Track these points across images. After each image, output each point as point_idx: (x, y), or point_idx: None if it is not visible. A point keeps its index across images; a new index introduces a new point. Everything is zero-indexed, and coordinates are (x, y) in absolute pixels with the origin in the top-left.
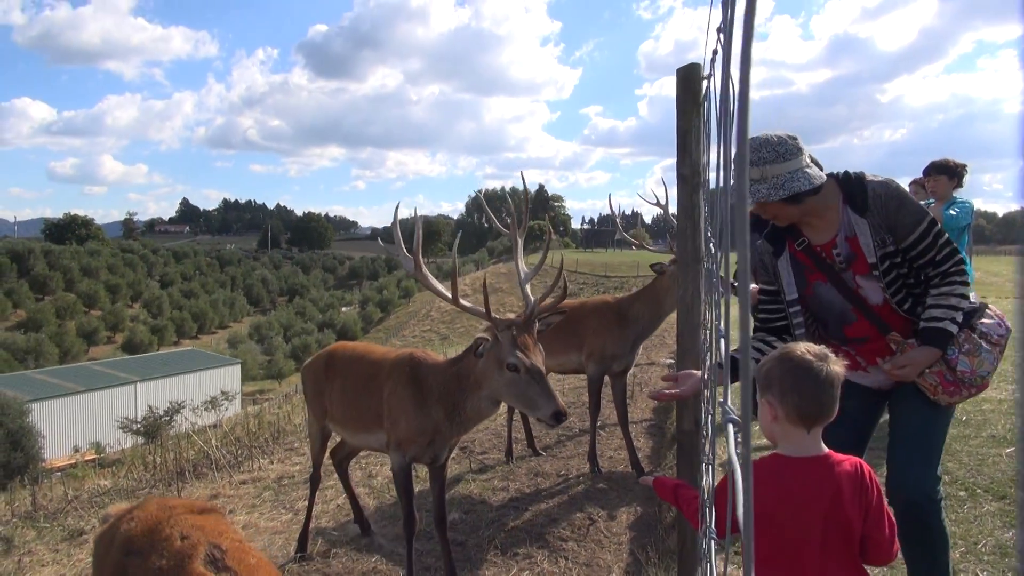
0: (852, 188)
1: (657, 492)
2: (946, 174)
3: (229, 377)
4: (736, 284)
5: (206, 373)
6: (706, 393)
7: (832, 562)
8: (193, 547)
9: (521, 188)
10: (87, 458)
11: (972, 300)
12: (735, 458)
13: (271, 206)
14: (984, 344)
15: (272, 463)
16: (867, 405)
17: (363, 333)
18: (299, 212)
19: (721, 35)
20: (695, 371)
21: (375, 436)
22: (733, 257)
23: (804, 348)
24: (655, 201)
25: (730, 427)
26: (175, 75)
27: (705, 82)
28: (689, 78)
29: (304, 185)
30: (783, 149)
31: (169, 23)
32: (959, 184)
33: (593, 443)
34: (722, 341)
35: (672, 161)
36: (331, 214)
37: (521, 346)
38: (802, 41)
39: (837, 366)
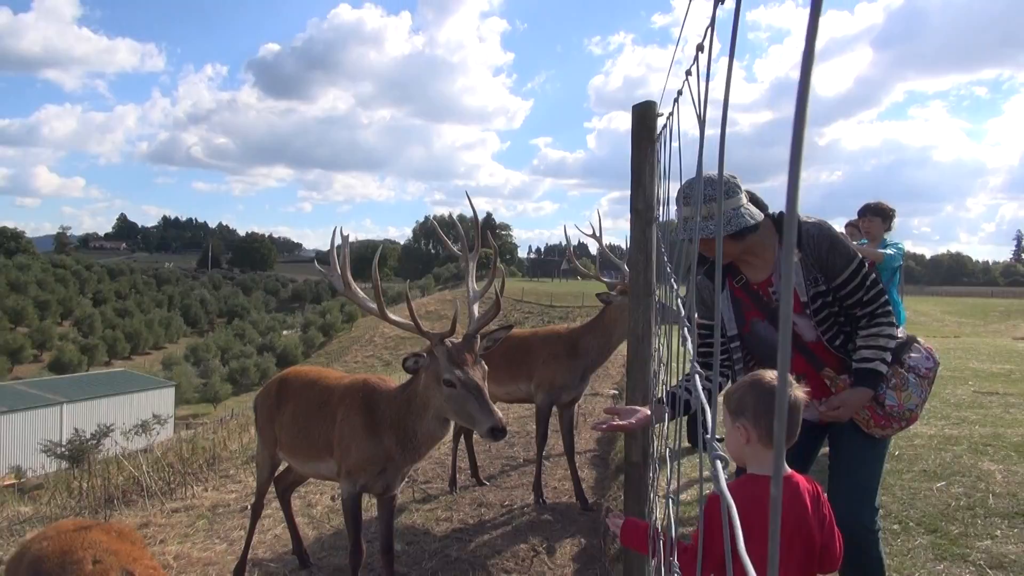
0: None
1: (624, 540)
2: (880, 216)
3: (162, 400)
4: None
5: (138, 395)
6: (656, 426)
7: (796, 574)
8: (105, 572)
9: (470, 215)
10: (6, 483)
11: (900, 335)
12: (726, 492)
13: (213, 225)
14: (911, 377)
15: (206, 491)
16: (808, 438)
17: (304, 358)
18: (242, 232)
19: (690, 77)
20: (640, 407)
21: (325, 464)
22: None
23: (772, 375)
24: (590, 232)
25: (718, 464)
26: (119, 87)
27: (660, 119)
28: (645, 115)
29: (249, 205)
30: (727, 187)
31: (115, 34)
32: (890, 227)
33: (539, 473)
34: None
35: (620, 194)
36: (275, 235)
37: (458, 361)
38: (746, 83)
39: (800, 392)
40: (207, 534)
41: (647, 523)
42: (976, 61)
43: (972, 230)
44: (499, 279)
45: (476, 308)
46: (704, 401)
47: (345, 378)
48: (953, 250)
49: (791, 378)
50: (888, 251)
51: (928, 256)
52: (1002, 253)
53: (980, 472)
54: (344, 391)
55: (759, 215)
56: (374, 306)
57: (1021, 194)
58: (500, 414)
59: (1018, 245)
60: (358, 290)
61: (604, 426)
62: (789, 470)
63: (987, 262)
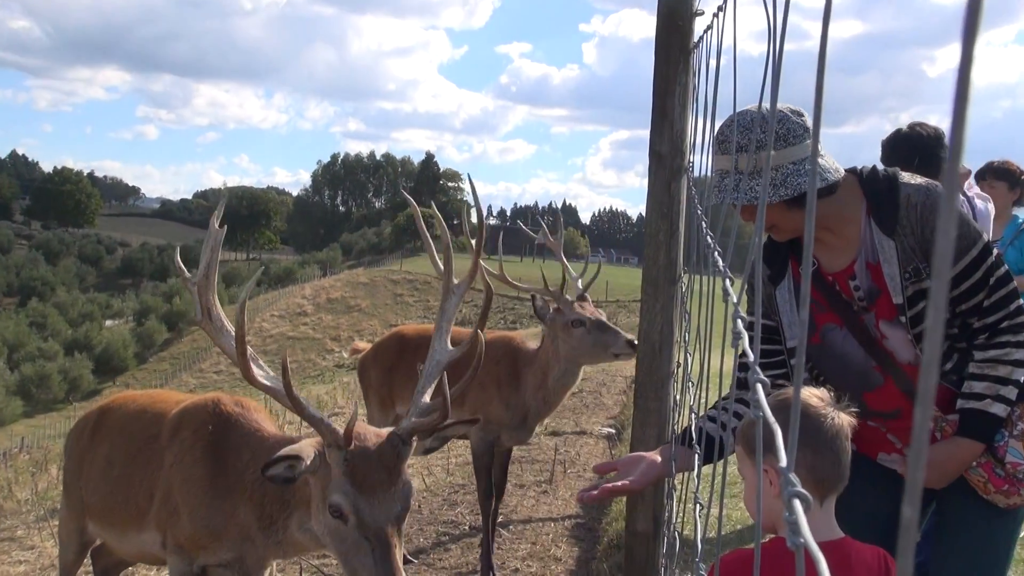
0: (880, 194)
1: None
2: (1007, 180)
3: None
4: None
5: None
6: (672, 480)
7: None
8: None
9: (402, 157)
10: None
11: None
12: (809, 538)
13: (2, 154)
14: None
15: None
16: (898, 501)
17: (138, 362)
18: (47, 167)
19: None
20: (646, 454)
21: (150, 535)
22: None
23: (808, 392)
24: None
25: (796, 503)
26: None
27: (699, 21)
28: (676, 14)
29: (60, 125)
30: (785, 129)
31: None
32: (1022, 198)
33: (487, 549)
34: (693, 397)
35: (629, 134)
36: (100, 173)
37: (361, 479)
38: None
39: (846, 417)
40: None
41: None
42: None
43: None
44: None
45: (428, 394)
46: (768, 413)
47: (188, 400)
48: None
49: (828, 396)
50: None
51: None
52: None
53: None
54: (180, 418)
55: (836, 171)
56: (235, 351)
57: None
58: None
59: None
60: (222, 317)
61: (594, 494)
62: (841, 534)
63: None
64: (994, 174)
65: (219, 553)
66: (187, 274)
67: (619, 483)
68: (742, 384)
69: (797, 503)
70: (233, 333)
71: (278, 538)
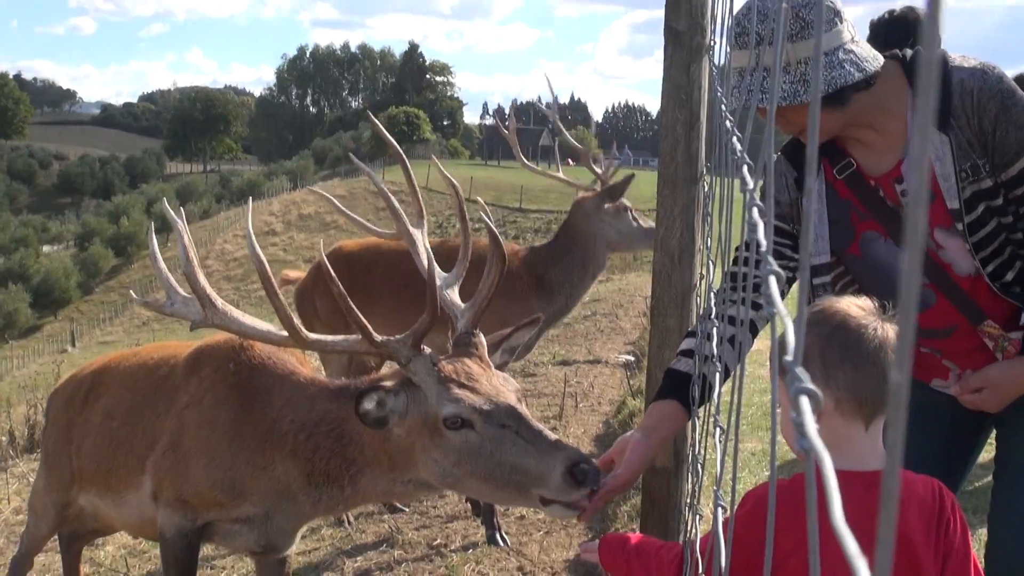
0: None
1: (604, 560)
2: None
3: None
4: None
5: None
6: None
7: None
8: None
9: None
10: None
11: None
12: (815, 439)
13: None
14: None
15: None
16: (960, 427)
17: (82, 293)
18: None
19: None
20: (628, 435)
21: (145, 489)
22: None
23: (848, 302)
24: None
25: (803, 401)
26: None
27: None
28: None
29: None
30: (813, 15)
31: None
32: None
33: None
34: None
35: (647, 14)
36: (29, 75)
37: (458, 377)
38: None
39: (894, 326)
40: None
41: (641, 536)
42: None
43: None
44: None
45: (452, 294)
46: (780, 307)
47: (207, 339)
48: None
49: (871, 306)
50: None
51: None
52: None
53: None
54: (199, 356)
55: (874, 60)
56: (273, 329)
57: None
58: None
59: None
60: (231, 309)
61: (587, 513)
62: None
63: None
64: None
65: (240, 509)
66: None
67: (606, 487)
68: (735, 278)
69: (804, 400)
70: (238, 315)
71: (343, 495)
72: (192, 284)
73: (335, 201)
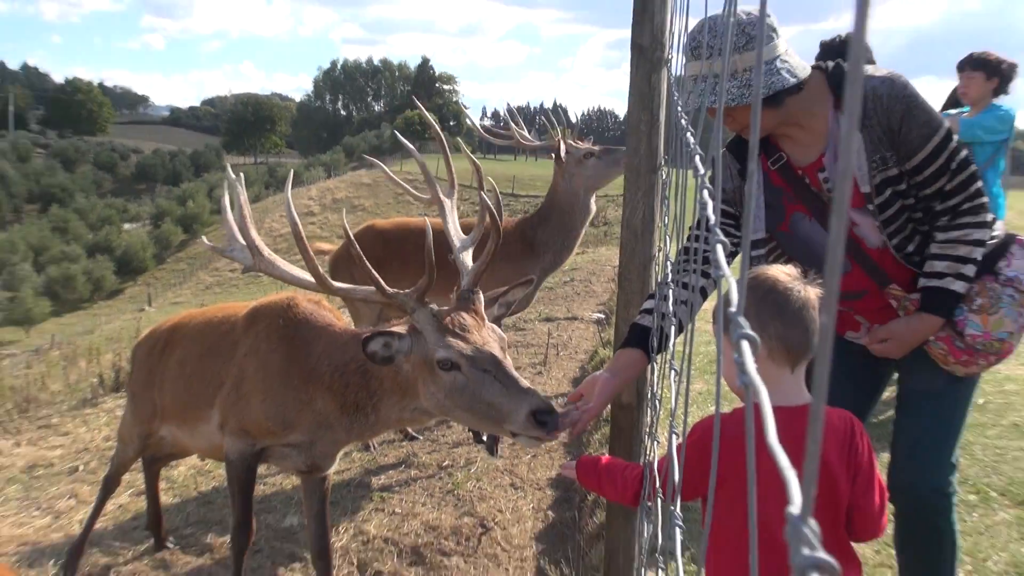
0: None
1: (580, 477)
2: (984, 70)
3: None
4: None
5: None
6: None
7: None
8: None
9: (398, 63)
10: None
11: (997, 232)
12: (754, 375)
13: (14, 66)
14: (1007, 294)
15: (19, 445)
16: (867, 370)
17: (156, 263)
18: (59, 78)
19: None
20: (598, 374)
21: (214, 421)
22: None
23: (776, 269)
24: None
25: (744, 344)
26: None
27: None
28: None
29: (69, 37)
30: (754, 31)
31: None
32: (1001, 89)
33: None
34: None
35: (621, 34)
36: (110, 83)
37: (453, 327)
38: None
39: (812, 290)
40: (21, 503)
41: (610, 458)
42: None
43: None
44: (488, 195)
45: (467, 256)
46: (726, 270)
47: (261, 300)
48: None
49: (796, 272)
50: (985, 123)
51: None
52: None
53: None
54: (255, 314)
55: (803, 68)
56: (305, 276)
57: None
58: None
59: None
60: (276, 258)
61: (573, 427)
62: (810, 399)
63: None
64: (972, 65)
65: (289, 436)
66: (237, 234)
67: (580, 414)
68: (688, 252)
69: (745, 344)
70: (280, 263)
71: (368, 422)
72: (244, 235)
73: (390, 172)
